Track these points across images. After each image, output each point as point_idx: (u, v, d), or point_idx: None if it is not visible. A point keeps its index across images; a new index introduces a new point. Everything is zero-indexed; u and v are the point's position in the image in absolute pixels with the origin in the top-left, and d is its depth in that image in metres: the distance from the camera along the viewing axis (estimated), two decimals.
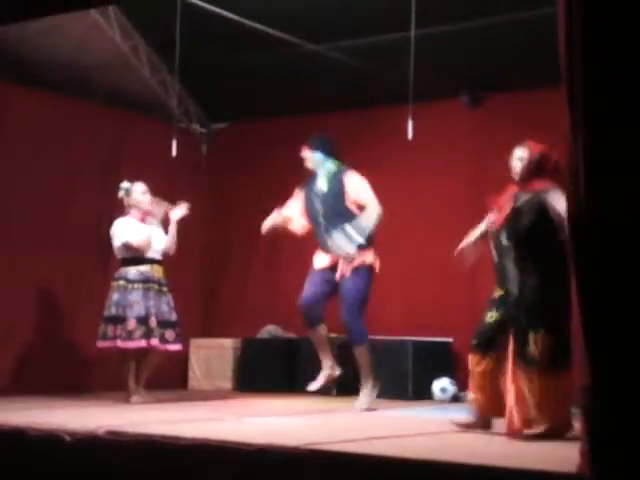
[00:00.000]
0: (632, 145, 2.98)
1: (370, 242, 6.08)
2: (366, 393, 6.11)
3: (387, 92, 7.41)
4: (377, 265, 6.11)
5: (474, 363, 4.78)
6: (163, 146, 7.22)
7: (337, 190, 6.12)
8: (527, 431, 4.53)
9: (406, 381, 7.21)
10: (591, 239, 3.04)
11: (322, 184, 6.19)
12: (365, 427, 5.13)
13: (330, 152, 6.27)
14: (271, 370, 7.83)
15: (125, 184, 6.76)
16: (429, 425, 5.25)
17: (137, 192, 6.73)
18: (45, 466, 4.25)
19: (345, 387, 7.43)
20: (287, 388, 7.55)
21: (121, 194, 6.76)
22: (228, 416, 5.49)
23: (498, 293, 4.78)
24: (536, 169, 4.74)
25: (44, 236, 7.42)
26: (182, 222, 6.81)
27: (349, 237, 6.02)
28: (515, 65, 6.96)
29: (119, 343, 6.48)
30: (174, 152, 7.01)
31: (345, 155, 8.32)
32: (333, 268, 6.10)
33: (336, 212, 6.08)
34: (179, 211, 6.76)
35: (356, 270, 6.04)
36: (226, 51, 7.64)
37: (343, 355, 7.65)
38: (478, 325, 4.83)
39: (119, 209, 6.82)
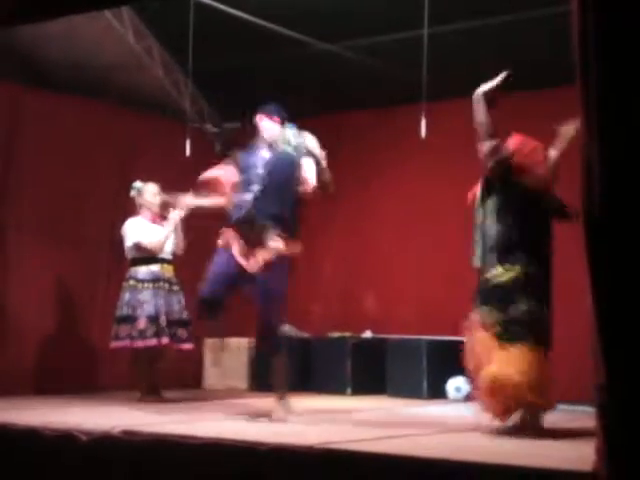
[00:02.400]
0: None
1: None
2: (282, 404, 5.37)
3: (401, 91, 7.40)
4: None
5: None
6: (177, 146, 7.25)
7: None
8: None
9: (421, 380, 7.20)
10: (606, 238, 3.03)
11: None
12: (379, 426, 5.13)
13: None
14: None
15: (137, 184, 6.77)
16: (444, 424, 5.24)
17: (149, 193, 6.74)
18: (61, 466, 4.26)
19: (360, 386, 7.44)
20: (301, 387, 7.55)
21: (133, 193, 6.77)
22: (242, 416, 5.49)
23: None
24: None
25: (59, 236, 7.43)
26: (196, 221, 6.77)
27: None
28: (529, 64, 6.92)
29: (130, 343, 6.50)
30: (188, 152, 7.03)
31: (362, 154, 8.33)
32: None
33: None
34: (178, 212, 6.54)
35: (280, 262, 5.27)
36: (239, 51, 7.63)
37: (360, 354, 7.67)
38: None
39: (133, 209, 6.83)
